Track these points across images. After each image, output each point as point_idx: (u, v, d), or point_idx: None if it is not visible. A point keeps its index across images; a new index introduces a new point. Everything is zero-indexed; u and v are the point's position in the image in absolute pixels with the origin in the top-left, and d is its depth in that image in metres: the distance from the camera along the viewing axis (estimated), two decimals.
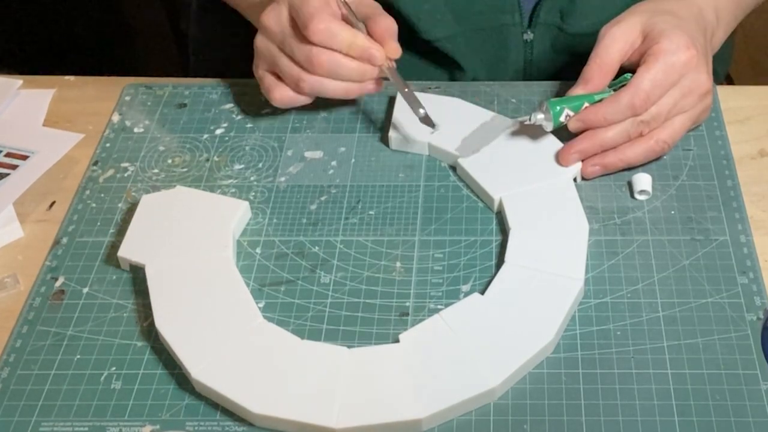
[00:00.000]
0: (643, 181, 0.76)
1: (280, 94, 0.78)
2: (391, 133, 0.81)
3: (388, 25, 0.77)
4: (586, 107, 0.75)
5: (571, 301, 0.66)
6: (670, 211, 0.75)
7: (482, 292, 0.68)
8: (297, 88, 0.77)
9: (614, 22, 0.77)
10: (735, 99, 0.86)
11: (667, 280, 0.70)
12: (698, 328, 0.67)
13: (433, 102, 0.83)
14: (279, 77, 0.79)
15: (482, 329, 0.65)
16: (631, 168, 0.77)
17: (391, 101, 0.84)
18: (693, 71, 0.74)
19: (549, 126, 0.76)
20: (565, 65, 0.92)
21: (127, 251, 0.71)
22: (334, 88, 0.76)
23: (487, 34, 0.90)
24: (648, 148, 0.76)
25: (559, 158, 0.77)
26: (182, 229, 0.72)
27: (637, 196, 0.76)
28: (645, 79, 0.73)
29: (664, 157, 0.79)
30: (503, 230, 0.74)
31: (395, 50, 0.77)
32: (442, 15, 0.88)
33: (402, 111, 0.81)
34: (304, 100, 0.79)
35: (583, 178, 0.77)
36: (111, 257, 0.73)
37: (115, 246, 0.73)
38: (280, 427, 0.61)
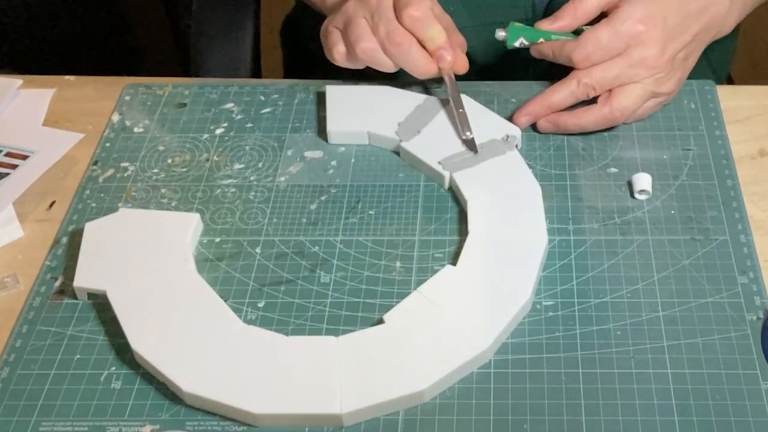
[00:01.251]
0: (643, 180, 0.76)
1: (340, 51, 0.79)
2: (330, 128, 0.81)
3: (461, 41, 0.82)
4: (541, 42, 0.80)
5: (540, 257, 0.69)
6: (670, 210, 0.75)
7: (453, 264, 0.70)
8: (354, 47, 0.77)
9: None
10: (735, 99, 0.86)
11: (667, 280, 0.70)
12: (698, 327, 0.67)
13: (364, 92, 0.84)
14: (345, 38, 0.80)
15: (463, 299, 0.66)
16: (587, 133, 0.81)
17: (320, 97, 0.85)
18: (641, 44, 0.76)
19: (507, 45, 0.82)
20: None
21: (83, 280, 0.69)
22: (386, 64, 0.78)
23: (495, 29, 0.90)
24: (602, 115, 0.78)
25: (513, 120, 0.81)
26: (137, 250, 0.70)
27: (637, 196, 0.76)
28: (589, 39, 0.76)
29: (664, 156, 0.79)
30: (458, 204, 0.76)
31: (464, 64, 0.80)
32: (456, 6, 0.88)
33: (335, 103, 0.83)
34: (358, 64, 0.80)
35: (536, 129, 0.82)
36: None
37: None
38: (284, 422, 0.61)
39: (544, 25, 0.79)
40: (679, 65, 0.79)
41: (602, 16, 0.79)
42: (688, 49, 0.80)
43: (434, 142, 0.79)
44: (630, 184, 0.77)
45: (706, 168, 0.79)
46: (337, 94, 0.84)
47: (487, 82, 0.88)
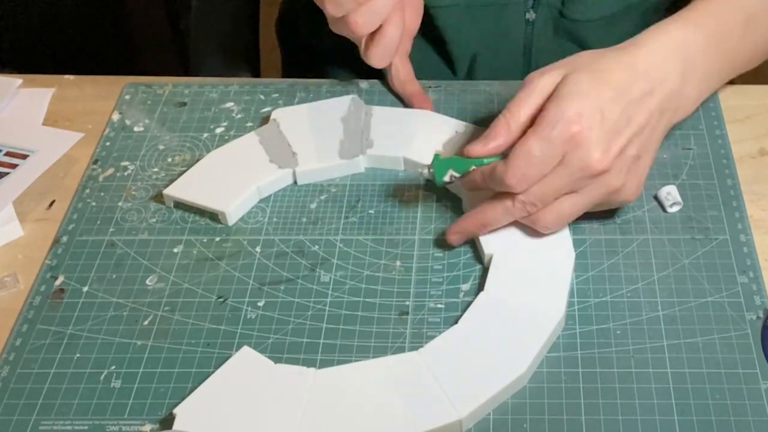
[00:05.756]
0: (673, 193, 0.75)
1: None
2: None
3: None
4: (474, 170, 0.68)
5: (547, 335, 0.64)
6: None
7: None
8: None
9: (542, 70, 0.68)
10: (735, 98, 0.86)
11: (667, 279, 0.70)
12: (698, 327, 0.67)
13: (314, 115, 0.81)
14: None
15: (455, 365, 0.63)
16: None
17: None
18: (579, 149, 0.64)
19: (437, 182, 0.70)
20: (564, 49, 0.92)
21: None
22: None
23: (489, 10, 0.90)
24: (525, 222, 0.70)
25: (446, 236, 0.71)
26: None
27: (670, 210, 0.75)
28: (519, 155, 0.64)
29: (664, 156, 0.79)
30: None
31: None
32: None
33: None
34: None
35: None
36: (111, 256, 0.73)
37: (114, 244, 0.73)
38: None
39: (477, 149, 0.67)
40: (630, 164, 0.67)
41: None
42: (638, 143, 0.67)
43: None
44: (658, 199, 0.75)
45: (706, 167, 0.79)
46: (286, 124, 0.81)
47: (486, 81, 0.88)
